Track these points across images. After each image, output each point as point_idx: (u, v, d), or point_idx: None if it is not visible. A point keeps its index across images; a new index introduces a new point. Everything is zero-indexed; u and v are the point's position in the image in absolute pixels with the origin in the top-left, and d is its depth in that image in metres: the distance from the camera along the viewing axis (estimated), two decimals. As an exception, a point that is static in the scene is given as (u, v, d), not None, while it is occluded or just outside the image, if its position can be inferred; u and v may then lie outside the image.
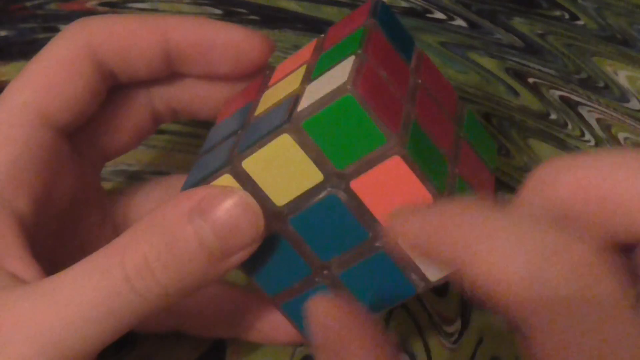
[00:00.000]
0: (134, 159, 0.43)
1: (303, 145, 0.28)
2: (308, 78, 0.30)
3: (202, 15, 0.52)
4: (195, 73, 0.34)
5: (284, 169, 0.28)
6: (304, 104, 0.28)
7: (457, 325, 0.39)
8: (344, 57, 0.29)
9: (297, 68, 0.31)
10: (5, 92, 0.32)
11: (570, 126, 0.48)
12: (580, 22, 0.55)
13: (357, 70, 0.27)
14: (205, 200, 0.28)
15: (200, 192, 0.29)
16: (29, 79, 0.32)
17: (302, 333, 0.33)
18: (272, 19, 0.53)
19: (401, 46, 0.31)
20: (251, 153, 0.28)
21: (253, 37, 0.33)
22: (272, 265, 0.31)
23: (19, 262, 0.29)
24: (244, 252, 0.29)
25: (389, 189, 0.28)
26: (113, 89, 0.35)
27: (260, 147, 0.28)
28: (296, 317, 0.32)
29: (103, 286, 0.27)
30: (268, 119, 0.29)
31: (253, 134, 0.29)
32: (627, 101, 0.49)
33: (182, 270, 0.28)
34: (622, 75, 0.51)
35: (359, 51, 0.28)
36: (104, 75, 0.33)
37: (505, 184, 0.45)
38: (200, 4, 0.52)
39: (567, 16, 0.55)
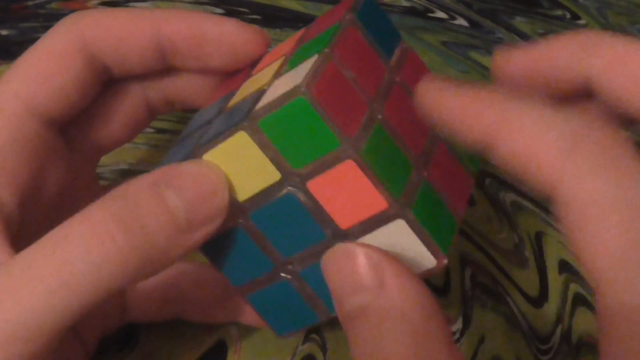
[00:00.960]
0: (135, 158, 0.43)
1: (260, 144, 0.28)
2: (279, 72, 0.30)
3: (204, 14, 0.52)
4: (188, 67, 0.34)
5: (243, 166, 0.28)
6: (263, 101, 0.28)
7: (459, 324, 0.39)
8: (311, 54, 0.29)
9: (277, 59, 0.31)
10: None
11: (571, 125, 0.48)
12: (582, 22, 0.55)
13: (315, 71, 0.27)
14: (170, 171, 0.28)
15: (164, 167, 0.28)
16: (19, 70, 0.32)
17: (272, 329, 0.33)
18: (273, 18, 0.53)
19: (382, 42, 0.31)
20: (211, 147, 0.28)
21: (246, 30, 0.33)
22: (237, 258, 0.31)
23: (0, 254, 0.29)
24: (211, 224, 0.28)
25: (345, 191, 0.28)
26: (108, 82, 0.34)
27: (219, 143, 0.28)
28: (262, 309, 0.32)
29: (57, 256, 0.26)
30: (233, 113, 0.29)
31: (218, 127, 0.29)
32: (629, 100, 0.49)
33: (145, 239, 0.27)
34: (624, 75, 0.51)
35: (325, 49, 0.28)
36: (96, 69, 0.33)
37: (504, 183, 0.45)
38: (202, 3, 0.53)
39: (568, 15, 0.55)
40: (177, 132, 0.45)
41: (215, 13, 0.52)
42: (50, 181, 0.33)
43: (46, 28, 0.32)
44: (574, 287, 0.40)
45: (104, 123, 0.35)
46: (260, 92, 0.29)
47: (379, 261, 0.27)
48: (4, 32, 0.49)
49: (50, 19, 0.49)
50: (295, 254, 0.30)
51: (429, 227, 0.28)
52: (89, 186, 0.35)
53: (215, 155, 0.29)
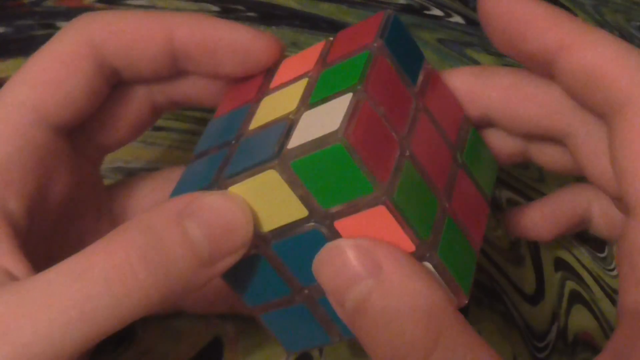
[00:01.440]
0: (131, 155, 0.43)
1: (290, 183, 0.27)
2: (307, 99, 0.29)
3: (200, 12, 0.52)
4: (200, 72, 0.34)
5: (270, 201, 0.28)
6: (295, 140, 0.27)
7: (455, 322, 0.39)
8: (343, 88, 0.28)
9: (299, 77, 0.31)
10: (3, 88, 0.32)
11: (567, 123, 0.48)
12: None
13: (351, 115, 0.27)
14: (194, 202, 0.28)
15: (187, 196, 0.28)
16: (27, 75, 0.32)
17: (282, 344, 0.33)
18: (269, 15, 0.53)
19: (408, 65, 0.31)
20: (238, 181, 0.28)
21: (261, 38, 0.33)
22: (254, 281, 0.31)
23: (9, 258, 0.29)
24: (233, 256, 0.28)
25: (372, 233, 0.28)
26: (116, 85, 0.34)
27: (246, 178, 0.28)
28: (274, 327, 0.32)
29: (78, 288, 0.26)
30: (259, 144, 0.29)
31: (243, 157, 0.29)
32: (625, 98, 0.49)
33: (168, 274, 0.27)
34: (620, 72, 0.51)
35: (359, 87, 0.28)
36: (106, 73, 0.33)
37: (505, 182, 0.45)
38: (198, 1, 0.52)
39: (564, 13, 0.55)
40: (176, 130, 0.45)
41: (212, 10, 0.52)
42: (56, 186, 0.32)
43: (42, 25, 0.32)
44: (570, 285, 0.40)
45: (109, 125, 0.35)
46: (288, 123, 0.29)
47: (370, 248, 0.27)
48: (0, 30, 0.49)
49: (46, 17, 0.49)
50: (314, 284, 0.30)
51: (453, 269, 0.28)
52: (94, 187, 0.35)
53: (242, 189, 0.28)
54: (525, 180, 0.45)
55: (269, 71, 0.33)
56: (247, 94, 0.32)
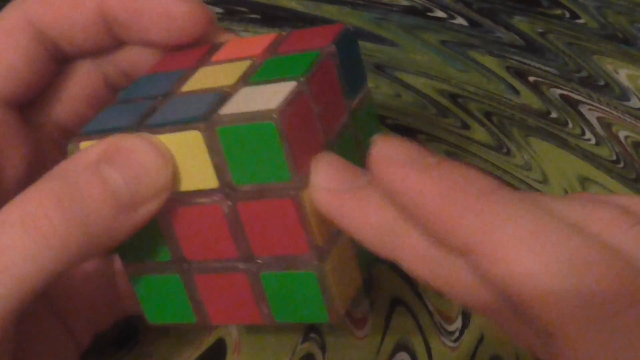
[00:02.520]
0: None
1: (210, 148, 0.27)
2: (246, 78, 0.29)
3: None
4: (132, 40, 0.33)
5: (185, 162, 0.28)
6: (228, 108, 0.27)
7: (458, 323, 0.39)
8: (287, 76, 0.28)
9: (243, 59, 0.31)
10: None
11: (570, 125, 0.48)
12: (581, 21, 0.55)
13: (291, 100, 0.27)
14: (111, 146, 0.27)
15: (107, 142, 0.28)
16: None
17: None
18: (273, 17, 0.53)
19: (351, 81, 0.31)
20: (159, 133, 0.28)
21: (184, 3, 0.32)
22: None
23: None
24: (154, 201, 0.28)
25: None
26: (62, 60, 0.34)
27: (169, 132, 0.28)
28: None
29: None
30: (189, 104, 0.29)
31: (170, 112, 0.29)
32: (628, 100, 0.49)
33: (85, 219, 0.26)
34: (623, 74, 0.51)
35: (302, 78, 0.28)
36: (46, 46, 0.32)
37: (505, 182, 0.45)
38: (201, 3, 0.53)
39: (567, 15, 0.55)
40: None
41: (215, 12, 0.52)
42: (12, 164, 0.32)
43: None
44: (573, 286, 0.40)
45: (64, 102, 0.34)
46: (223, 94, 0.28)
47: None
48: None
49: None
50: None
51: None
52: (55, 165, 0.35)
53: (163, 142, 0.28)
54: (528, 182, 0.45)
55: (214, 46, 0.33)
56: (186, 61, 0.32)
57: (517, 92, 0.49)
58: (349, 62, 0.30)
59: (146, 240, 0.30)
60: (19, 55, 0.32)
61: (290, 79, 0.28)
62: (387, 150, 0.26)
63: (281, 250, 0.28)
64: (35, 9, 0.32)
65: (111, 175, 0.27)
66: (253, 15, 0.53)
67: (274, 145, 0.26)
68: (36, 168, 0.33)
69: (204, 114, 0.27)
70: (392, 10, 0.55)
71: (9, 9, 0.32)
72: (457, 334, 0.38)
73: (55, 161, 0.34)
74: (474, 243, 0.23)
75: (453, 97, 0.49)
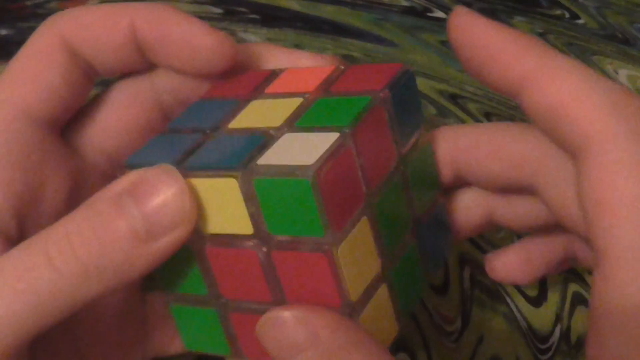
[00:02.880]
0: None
1: (246, 197, 0.27)
2: (294, 121, 0.29)
3: (202, 13, 0.52)
4: (161, 65, 0.33)
5: (221, 206, 0.28)
6: (267, 158, 0.27)
7: (458, 324, 0.39)
8: (332, 125, 0.28)
9: (295, 95, 0.30)
10: None
11: (570, 125, 0.48)
12: (581, 21, 0.55)
13: (330, 155, 0.26)
14: (137, 179, 0.28)
15: (134, 175, 0.28)
16: (6, 75, 0.32)
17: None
18: (272, 17, 0.53)
19: (405, 124, 0.30)
20: (197, 176, 0.28)
21: (210, 36, 0.32)
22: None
23: None
24: (172, 235, 0.28)
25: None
26: (98, 79, 0.34)
27: (206, 177, 0.28)
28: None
29: (22, 261, 0.27)
30: (231, 147, 0.28)
31: (211, 154, 0.28)
32: (628, 100, 0.49)
33: (102, 248, 0.27)
34: (623, 74, 0.51)
35: (347, 130, 0.27)
36: (80, 65, 0.32)
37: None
38: (201, 3, 0.52)
39: (567, 15, 0.55)
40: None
41: (215, 12, 0.52)
42: (52, 188, 0.32)
43: (45, 27, 0.32)
44: (573, 287, 0.40)
45: (105, 126, 0.34)
46: (266, 137, 0.28)
47: (306, 317, 0.27)
48: (3, 32, 0.49)
49: (49, 19, 0.49)
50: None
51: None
52: (98, 189, 0.35)
53: (198, 185, 0.28)
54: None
55: (273, 74, 0.32)
56: (242, 88, 0.32)
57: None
58: (404, 105, 0.30)
59: (186, 273, 0.30)
60: (57, 75, 0.32)
61: (335, 129, 0.27)
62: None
63: (314, 301, 0.28)
64: (69, 29, 0.32)
65: (130, 206, 0.27)
66: (253, 16, 0.53)
67: (308, 202, 0.26)
68: (77, 192, 0.33)
69: (242, 161, 0.27)
70: (392, 11, 0.55)
71: (42, 29, 0.33)
72: (456, 335, 0.38)
73: (97, 187, 0.34)
74: (530, 73, 0.28)
75: (453, 97, 0.49)
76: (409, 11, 0.55)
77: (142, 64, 0.33)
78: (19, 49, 0.32)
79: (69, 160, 0.33)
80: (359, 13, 0.55)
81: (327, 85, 0.30)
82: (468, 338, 0.38)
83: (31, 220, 0.31)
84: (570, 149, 0.28)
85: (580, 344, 0.38)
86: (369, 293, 0.29)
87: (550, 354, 0.38)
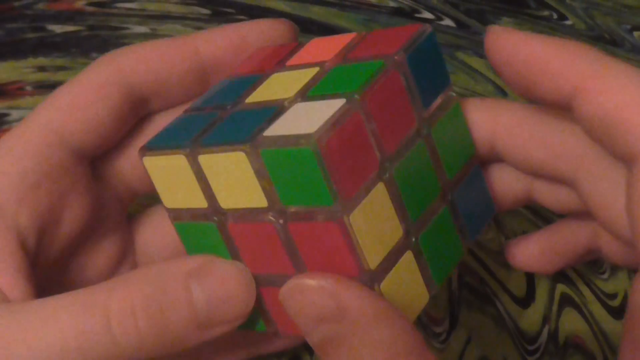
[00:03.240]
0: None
1: (256, 170, 0.27)
2: (307, 90, 0.29)
3: (191, 14, 0.52)
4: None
5: (234, 181, 0.28)
6: (274, 129, 0.27)
7: (446, 325, 0.39)
8: (340, 92, 0.27)
9: (313, 64, 0.30)
10: (32, 111, 0.32)
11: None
12: (569, 22, 0.55)
13: (335, 122, 0.26)
14: (206, 266, 0.29)
15: (202, 258, 0.29)
16: (54, 100, 0.32)
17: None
18: (259, 18, 0.53)
19: (426, 87, 0.29)
20: (209, 152, 0.28)
21: (279, 24, 0.34)
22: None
23: (9, 278, 0.29)
24: (228, 325, 0.29)
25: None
26: (146, 117, 0.34)
27: (217, 152, 0.28)
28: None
29: (79, 322, 0.27)
30: (244, 121, 0.28)
31: (224, 130, 0.28)
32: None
33: (165, 327, 0.28)
34: (610, 75, 0.51)
35: (355, 96, 0.27)
36: (134, 102, 0.33)
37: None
38: (188, 4, 0.52)
39: (555, 16, 0.55)
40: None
41: (202, 13, 0.52)
42: (73, 212, 0.32)
43: (33, 28, 0.32)
44: (560, 288, 0.40)
45: (130, 157, 0.35)
46: (278, 109, 0.28)
47: (334, 288, 0.27)
48: (-10, 33, 0.49)
49: (37, 20, 0.49)
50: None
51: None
52: (117, 225, 0.35)
53: (211, 161, 0.28)
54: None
55: (297, 47, 0.32)
56: (266, 63, 0.32)
57: (504, 93, 0.49)
58: (424, 67, 0.29)
59: (209, 249, 0.30)
60: (106, 109, 0.32)
61: (342, 95, 0.27)
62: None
63: (333, 271, 0.27)
64: (130, 64, 0.33)
65: (198, 294, 0.28)
66: (240, 17, 0.53)
67: (314, 171, 0.26)
68: (96, 222, 0.34)
69: (250, 134, 0.27)
70: (380, 12, 0.55)
71: (102, 62, 0.33)
72: (444, 336, 0.38)
73: (117, 219, 0.35)
74: (583, 81, 0.27)
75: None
76: (397, 12, 0.55)
77: (200, 91, 0.34)
78: (72, 77, 0.33)
79: (92, 189, 0.33)
80: (347, 14, 0.55)
81: (345, 52, 0.30)
82: (456, 339, 0.38)
83: (48, 239, 0.32)
84: (625, 158, 0.27)
85: (568, 345, 0.38)
86: (390, 260, 0.28)
87: (538, 354, 0.38)
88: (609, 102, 0.27)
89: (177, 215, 0.31)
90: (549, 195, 0.33)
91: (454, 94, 0.31)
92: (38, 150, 0.31)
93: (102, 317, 0.27)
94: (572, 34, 0.54)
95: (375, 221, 0.27)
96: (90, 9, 0.51)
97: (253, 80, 0.31)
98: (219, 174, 0.28)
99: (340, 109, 0.26)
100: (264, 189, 0.27)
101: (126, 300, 0.27)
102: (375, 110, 0.27)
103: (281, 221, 0.28)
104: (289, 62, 0.31)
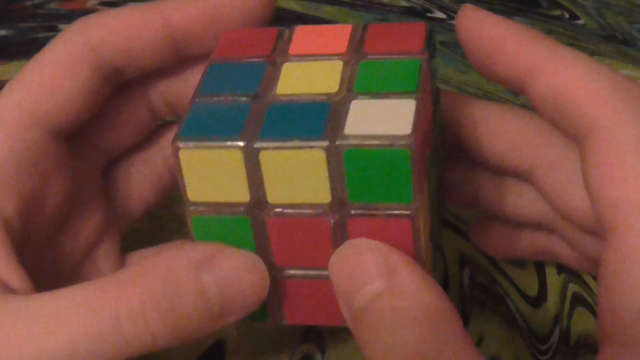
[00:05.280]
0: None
1: (330, 166, 0.27)
2: (349, 85, 0.29)
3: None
4: (204, 49, 0.33)
5: (298, 176, 0.28)
6: (352, 127, 0.27)
7: (457, 324, 0.39)
8: (400, 92, 0.28)
9: (329, 56, 0.30)
10: (0, 92, 0.32)
11: (570, 125, 0.48)
12: (580, 22, 0.55)
13: (418, 122, 0.26)
14: (216, 256, 0.28)
15: (210, 247, 0.29)
16: (24, 79, 0.31)
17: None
18: (272, 18, 0.53)
19: (433, 86, 0.31)
20: (274, 148, 0.27)
21: None
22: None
23: (4, 266, 0.29)
24: (240, 314, 0.29)
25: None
26: (116, 87, 0.34)
27: (287, 148, 0.27)
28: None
29: (88, 324, 0.26)
30: (302, 116, 0.28)
31: (283, 124, 0.28)
32: (627, 100, 0.49)
33: (178, 323, 0.27)
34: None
35: (419, 96, 0.27)
36: (105, 75, 0.32)
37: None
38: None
39: (567, 15, 0.55)
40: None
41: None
42: (55, 190, 0.32)
43: (45, 28, 0.32)
44: (572, 287, 0.40)
45: (109, 129, 0.35)
46: (335, 107, 0.28)
47: (388, 252, 0.27)
48: (3, 32, 0.49)
49: (48, 19, 0.49)
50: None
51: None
52: (96, 194, 0.35)
53: (275, 157, 0.27)
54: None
55: (281, 33, 0.32)
56: (257, 47, 0.31)
57: (516, 93, 0.49)
58: (433, 66, 0.30)
59: (234, 242, 0.30)
60: (77, 86, 0.32)
61: (406, 95, 0.28)
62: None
63: None
64: (99, 35, 0.32)
65: (210, 286, 0.28)
66: (252, 16, 0.53)
67: (404, 170, 0.26)
68: (76, 194, 0.33)
69: (323, 132, 0.27)
70: (392, 11, 0.55)
71: (69, 34, 0.32)
72: (456, 335, 0.38)
73: (96, 188, 0.34)
74: (537, 62, 0.29)
75: (452, 98, 0.49)
76: (409, 12, 0.55)
77: (171, 60, 0.33)
78: (41, 50, 0.32)
79: (71, 165, 0.33)
80: (359, 13, 0.55)
81: (357, 46, 0.30)
82: (468, 338, 0.38)
83: (33, 224, 0.31)
84: (576, 133, 0.29)
85: (580, 345, 0.38)
86: (430, 259, 0.29)
87: (549, 354, 0.38)
88: (560, 80, 0.29)
89: (199, 209, 0.29)
90: (495, 199, 0.35)
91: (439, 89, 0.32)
92: (13, 134, 0.31)
93: (112, 318, 0.27)
94: (584, 33, 0.54)
95: (426, 219, 0.29)
96: (102, 8, 0.51)
97: (261, 68, 0.30)
98: (279, 169, 0.28)
99: (415, 109, 0.27)
100: (332, 185, 0.27)
101: (136, 299, 0.27)
102: (426, 110, 0.28)
103: (338, 216, 0.28)
104: (291, 51, 0.31)
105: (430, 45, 0.30)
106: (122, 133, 0.35)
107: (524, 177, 0.33)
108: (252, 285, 0.29)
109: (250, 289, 0.28)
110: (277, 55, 0.31)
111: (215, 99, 0.30)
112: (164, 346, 0.28)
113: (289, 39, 0.31)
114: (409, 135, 0.26)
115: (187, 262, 0.28)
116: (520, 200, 0.35)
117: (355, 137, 0.27)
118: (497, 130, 0.33)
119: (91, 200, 0.34)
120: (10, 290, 0.28)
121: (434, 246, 0.31)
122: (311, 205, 0.28)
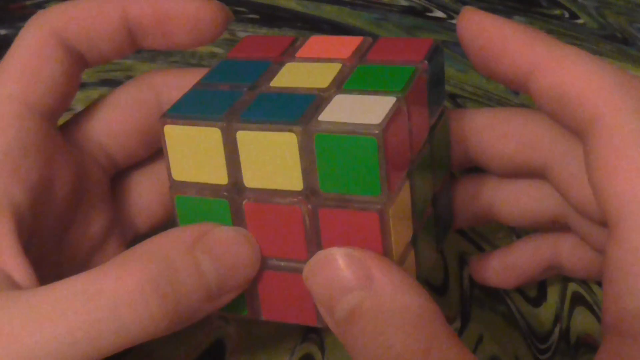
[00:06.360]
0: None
1: (302, 151, 0.27)
2: (340, 83, 0.29)
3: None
4: (155, 46, 0.34)
5: (272, 161, 0.28)
6: (327, 115, 0.27)
7: (457, 324, 0.39)
8: (386, 90, 0.28)
9: (331, 60, 0.31)
10: None
11: (570, 125, 0.48)
12: (580, 21, 0.55)
13: (392, 117, 0.27)
14: (208, 235, 0.29)
15: (200, 226, 0.29)
16: (6, 71, 0.32)
17: None
18: (272, 17, 0.53)
19: (433, 99, 0.31)
20: (251, 129, 0.28)
21: (208, 6, 0.33)
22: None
23: (12, 259, 0.29)
24: (236, 292, 0.29)
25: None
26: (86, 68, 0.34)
27: (262, 130, 0.28)
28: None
29: (87, 311, 0.26)
30: (284, 103, 0.29)
31: (263, 108, 0.29)
32: (627, 100, 0.49)
33: (177, 305, 0.27)
34: (622, 74, 0.51)
35: (402, 95, 0.28)
36: (74, 58, 0.33)
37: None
38: (200, 3, 0.53)
39: (567, 15, 0.55)
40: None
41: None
42: (61, 180, 0.32)
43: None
44: (572, 287, 0.40)
45: (119, 139, 0.35)
46: (319, 98, 0.29)
47: (362, 257, 0.27)
48: (3, 32, 0.49)
49: (48, 19, 0.49)
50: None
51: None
52: (103, 198, 0.35)
53: (251, 138, 0.28)
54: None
55: (295, 41, 0.33)
56: (269, 50, 0.33)
57: (516, 92, 0.49)
58: (435, 79, 0.31)
59: (210, 213, 0.30)
60: (55, 69, 0.32)
61: (389, 93, 0.28)
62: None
63: None
64: (61, 23, 0.33)
65: (207, 266, 0.28)
66: (252, 16, 0.53)
67: (371, 161, 0.26)
68: (80, 184, 0.33)
69: (302, 117, 0.28)
70: (392, 10, 0.55)
71: (32, 25, 0.33)
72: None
73: (98, 179, 0.34)
74: (540, 60, 0.29)
75: (452, 97, 0.49)
76: (409, 11, 0.55)
77: (130, 50, 0.34)
78: (12, 44, 0.33)
79: (71, 154, 0.33)
80: (359, 13, 0.55)
81: (360, 53, 0.31)
82: (467, 338, 0.38)
83: (43, 211, 0.31)
84: (580, 127, 0.29)
85: (579, 344, 0.38)
86: (403, 258, 0.29)
87: (549, 353, 0.38)
88: (563, 76, 0.29)
89: (182, 189, 0.30)
90: (510, 208, 0.35)
91: (445, 106, 0.33)
92: (14, 122, 0.31)
93: (111, 304, 0.26)
94: (583, 32, 0.54)
95: (401, 218, 0.29)
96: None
97: (265, 66, 0.31)
98: (255, 151, 0.28)
99: (393, 105, 0.27)
100: (304, 173, 0.28)
101: (135, 284, 0.27)
102: (411, 112, 0.29)
103: (310, 206, 0.28)
104: (298, 54, 0.32)
105: (432, 58, 0.31)
106: (132, 144, 0.35)
107: (539, 173, 0.33)
108: (245, 258, 0.29)
109: (244, 262, 0.29)
110: (284, 57, 0.32)
111: (213, 86, 0.31)
112: (163, 332, 0.27)
113: (300, 45, 0.33)
114: (377, 125, 0.26)
115: (182, 243, 0.28)
116: (534, 200, 0.35)
117: (327, 123, 0.27)
118: (505, 132, 0.33)
119: (98, 203, 0.34)
120: (14, 285, 0.28)
121: (418, 251, 0.31)
122: (284, 192, 0.28)
